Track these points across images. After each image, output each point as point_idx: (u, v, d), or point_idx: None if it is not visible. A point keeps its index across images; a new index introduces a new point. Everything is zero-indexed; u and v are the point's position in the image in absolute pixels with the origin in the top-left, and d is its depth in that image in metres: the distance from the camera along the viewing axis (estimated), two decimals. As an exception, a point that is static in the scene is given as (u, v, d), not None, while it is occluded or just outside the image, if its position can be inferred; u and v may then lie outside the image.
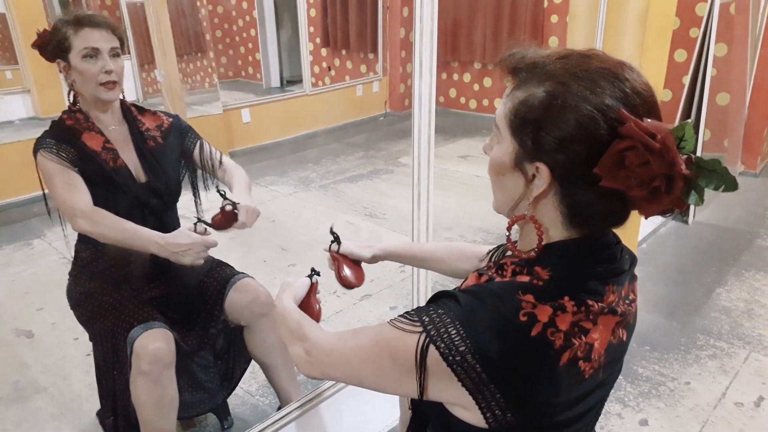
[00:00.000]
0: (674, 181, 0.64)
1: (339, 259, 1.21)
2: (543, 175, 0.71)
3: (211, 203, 1.78)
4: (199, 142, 1.74)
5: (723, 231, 3.58)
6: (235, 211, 1.54)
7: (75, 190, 1.48)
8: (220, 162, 1.73)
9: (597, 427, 2.11)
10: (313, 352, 0.86)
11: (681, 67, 4.11)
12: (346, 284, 1.20)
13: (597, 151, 0.66)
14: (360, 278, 1.22)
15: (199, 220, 1.51)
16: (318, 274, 1.10)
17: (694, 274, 3.06)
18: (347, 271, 1.20)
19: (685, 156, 0.66)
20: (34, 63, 4.50)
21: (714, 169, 0.65)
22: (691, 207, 3.60)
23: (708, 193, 0.67)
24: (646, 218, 0.72)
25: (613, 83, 0.67)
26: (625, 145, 0.64)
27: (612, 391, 2.17)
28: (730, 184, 0.65)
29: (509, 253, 0.81)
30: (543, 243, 0.75)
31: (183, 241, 1.45)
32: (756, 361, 2.34)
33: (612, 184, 0.65)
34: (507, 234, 0.80)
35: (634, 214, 0.73)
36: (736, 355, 2.39)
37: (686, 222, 3.66)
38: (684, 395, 2.17)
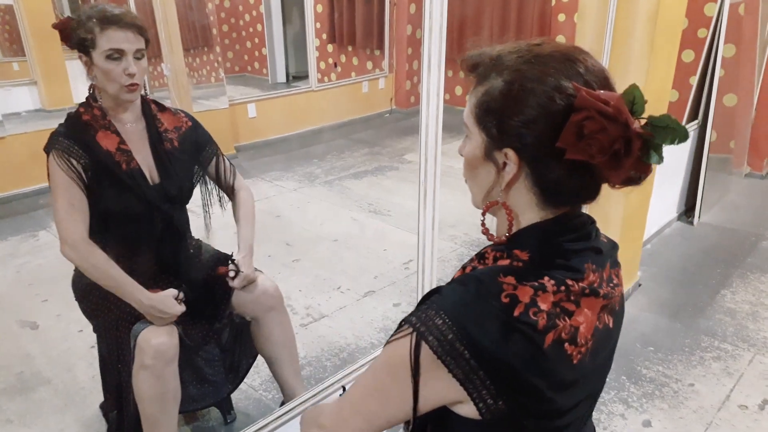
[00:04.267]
0: (632, 141, 0.68)
1: None
2: (512, 159, 0.74)
3: (220, 197, 1.80)
4: (216, 157, 1.74)
5: (728, 232, 3.57)
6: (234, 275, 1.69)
7: (75, 214, 1.47)
8: (233, 186, 1.78)
9: (600, 428, 2.11)
10: (324, 423, 0.86)
11: (689, 67, 4.08)
12: None
13: (558, 127, 0.69)
14: None
15: (181, 289, 1.59)
16: None
17: (699, 275, 3.05)
18: None
19: (643, 121, 0.70)
20: (41, 55, 4.52)
21: (666, 125, 0.69)
22: (697, 208, 3.59)
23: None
24: (613, 187, 0.75)
25: (565, 63, 0.72)
26: (582, 116, 0.68)
27: (615, 391, 2.18)
28: (682, 135, 0.69)
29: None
30: (521, 226, 0.78)
31: (164, 309, 1.51)
32: (760, 364, 2.34)
33: (576, 155, 0.69)
34: (481, 219, 0.83)
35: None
36: (740, 357, 2.38)
37: (691, 223, 3.64)
38: (688, 397, 2.17)
